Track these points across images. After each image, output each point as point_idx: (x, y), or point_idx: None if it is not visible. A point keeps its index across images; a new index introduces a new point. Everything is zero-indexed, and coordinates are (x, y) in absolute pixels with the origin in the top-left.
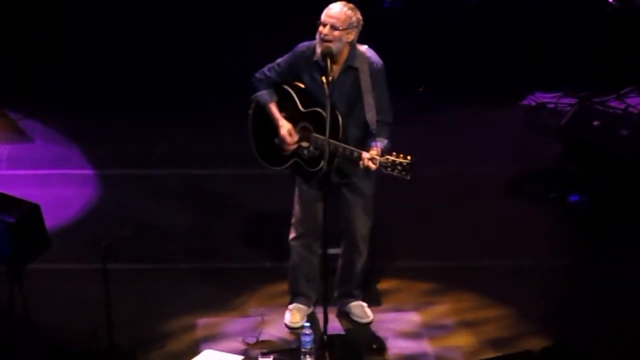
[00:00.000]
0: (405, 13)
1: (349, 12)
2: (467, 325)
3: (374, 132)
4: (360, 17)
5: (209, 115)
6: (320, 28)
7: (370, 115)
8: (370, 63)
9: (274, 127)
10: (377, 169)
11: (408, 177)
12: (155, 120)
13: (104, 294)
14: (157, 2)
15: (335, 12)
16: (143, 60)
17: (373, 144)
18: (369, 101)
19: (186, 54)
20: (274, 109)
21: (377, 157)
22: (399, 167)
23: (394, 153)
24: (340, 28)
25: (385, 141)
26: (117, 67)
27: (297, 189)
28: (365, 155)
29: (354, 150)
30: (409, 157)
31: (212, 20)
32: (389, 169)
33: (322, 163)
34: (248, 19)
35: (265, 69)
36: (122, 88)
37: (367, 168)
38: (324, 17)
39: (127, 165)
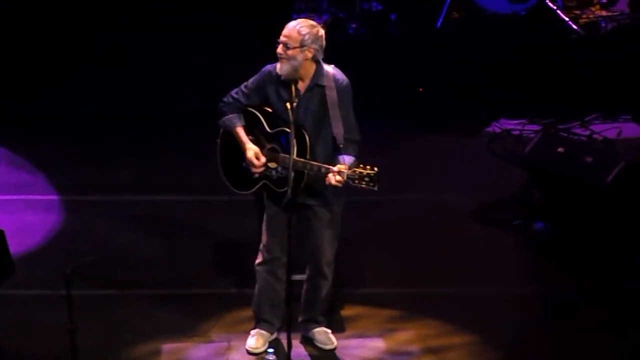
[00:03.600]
0: (369, 40)
1: (303, 29)
2: (431, 352)
3: (341, 146)
4: (319, 34)
5: (174, 141)
6: (278, 47)
7: (337, 131)
8: (337, 80)
9: (242, 151)
10: (344, 182)
11: (376, 188)
12: (120, 147)
13: (68, 320)
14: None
15: (287, 30)
16: (108, 89)
17: (340, 158)
18: (335, 116)
19: (149, 81)
20: (241, 132)
21: (344, 171)
22: (366, 179)
23: (361, 165)
24: (292, 46)
25: (353, 158)
26: (83, 94)
27: (266, 215)
28: (332, 169)
29: (322, 166)
30: (375, 168)
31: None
32: (356, 182)
33: (290, 182)
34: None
35: (232, 93)
36: (88, 114)
37: (335, 183)
38: (281, 35)
39: (91, 191)
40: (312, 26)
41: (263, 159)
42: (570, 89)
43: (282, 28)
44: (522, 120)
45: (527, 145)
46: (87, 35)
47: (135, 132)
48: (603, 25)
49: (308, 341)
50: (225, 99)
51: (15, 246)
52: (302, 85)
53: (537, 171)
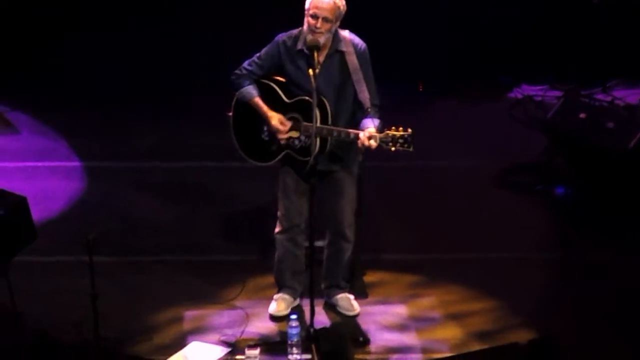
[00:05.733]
0: (392, 4)
1: (338, 1)
2: (453, 317)
3: (369, 110)
4: (345, 3)
5: (195, 107)
6: (311, 20)
7: (363, 95)
8: (355, 44)
9: (261, 121)
10: (377, 146)
11: (411, 149)
12: (141, 113)
13: (90, 287)
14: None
15: (327, 4)
16: (131, 54)
17: (366, 121)
18: (359, 80)
19: (172, 49)
20: (260, 102)
21: (377, 134)
22: (400, 141)
23: (393, 127)
24: (331, 19)
25: (378, 120)
26: (105, 60)
27: (281, 183)
28: (363, 134)
29: (350, 132)
30: (409, 129)
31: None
32: (390, 144)
33: (314, 149)
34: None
35: (245, 64)
36: (110, 80)
37: (367, 147)
38: (313, 9)
39: (114, 158)
40: None
41: (288, 124)
42: (591, 54)
43: None
44: (544, 86)
45: (549, 111)
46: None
47: (157, 99)
48: None
49: (331, 307)
50: (237, 71)
51: (37, 213)
52: (321, 53)
53: (558, 137)
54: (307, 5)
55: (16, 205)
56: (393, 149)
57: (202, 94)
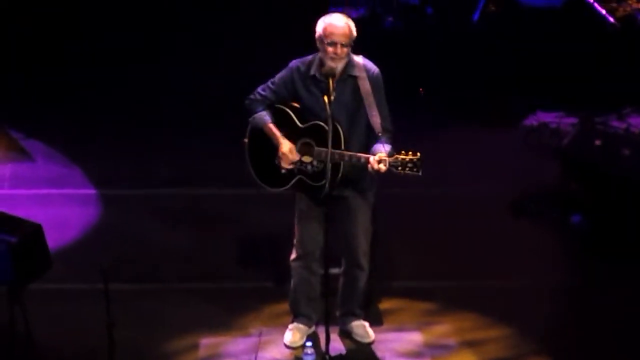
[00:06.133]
0: (407, 32)
1: (351, 25)
2: (468, 345)
3: (380, 135)
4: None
5: (210, 135)
6: (330, 49)
7: (375, 120)
8: (368, 70)
9: (274, 147)
10: (387, 170)
11: (420, 173)
12: (155, 140)
13: (105, 314)
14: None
15: (343, 30)
16: (144, 83)
17: (377, 146)
18: (370, 105)
19: (186, 80)
20: (273, 128)
21: (386, 158)
22: (409, 165)
23: (402, 152)
24: (348, 44)
25: (389, 146)
26: (119, 88)
27: (297, 210)
28: (373, 158)
29: (361, 156)
30: (418, 154)
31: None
32: (399, 169)
33: (327, 175)
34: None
35: (259, 89)
36: (123, 108)
37: (377, 171)
38: (330, 37)
39: (128, 185)
40: (350, 19)
41: (297, 156)
42: (605, 81)
43: (317, 21)
44: (559, 113)
45: (565, 138)
46: (124, 34)
47: (171, 127)
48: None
49: (346, 334)
50: (251, 96)
51: (52, 241)
52: (333, 78)
53: (574, 164)
54: (320, 32)
55: (31, 232)
56: (402, 172)
57: (218, 119)
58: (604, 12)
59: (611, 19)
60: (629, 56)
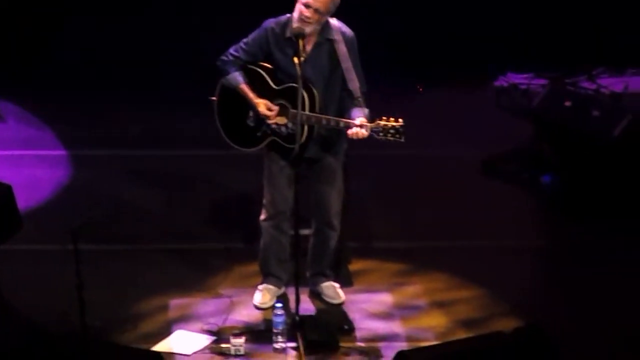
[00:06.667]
0: None
1: None
2: (438, 305)
3: (359, 99)
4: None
5: (180, 96)
6: (302, 8)
7: (353, 84)
8: (344, 33)
9: (247, 107)
10: (368, 135)
11: (402, 140)
12: (126, 101)
13: (75, 275)
14: None
15: None
16: (115, 42)
17: (358, 111)
18: (348, 69)
19: (156, 36)
20: (246, 89)
21: (368, 124)
22: (391, 131)
23: (384, 118)
24: (322, 12)
25: (367, 109)
26: (89, 48)
27: (266, 171)
28: (354, 122)
29: (339, 120)
30: (400, 120)
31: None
32: (380, 134)
33: (298, 136)
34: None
35: (231, 50)
36: (94, 69)
37: (357, 136)
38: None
39: (99, 146)
40: None
41: (276, 109)
42: (576, 42)
43: None
44: (529, 74)
45: (535, 99)
46: None
47: (143, 87)
48: None
49: (316, 295)
50: (223, 57)
51: (23, 201)
52: (309, 41)
53: (544, 125)
54: None
55: (1, 193)
56: (384, 139)
57: (185, 80)
58: None
59: None
60: (600, 16)
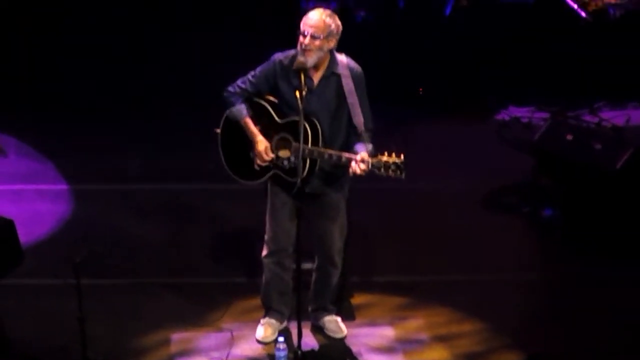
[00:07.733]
0: (378, 27)
1: (328, 19)
2: (441, 339)
3: (362, 134)
4: (339, 24)
5: (182, 130)
6: (300, 38)
7: (358, 119)
8: (351, 68)
9: (250, 141)
10: (369, 171)
11: (403, 176)
12: (128, 135)
13: (77, 309)
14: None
15: (314, 21)
16: (118, 79)
17: (358, 146)
18: (354, 104)
19: (160, 72)
20: (250, 123)
21: (369, 159)
22: (392, 168)
23: (385, 153)
24: (321, 37)
25: (370, 145)
26: (92, 83)
27: (269, 205)
28: (355, 157)
29: (342, 155)
30: (401, 156)
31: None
32: (381, 170)
33: (299, 170)
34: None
35: (238, 82)
36: (97, 104)
37: (356, 172)
38: (303, 26)
39: (101, 181)
40: (334, 16)
41: (271, 155)
42: (578, 76)
43: (295, 18)
44: (531, 108)
45: (536, 133)
46: (94, 28)
47: (145, 121)
48: (612, 12)
49: (318, 330)
50: (230, 89)
51: (24, 236)
52: (316, 74)
53: (546, 158)
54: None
55: (3, 227)
56: (384, 174)
57: (190, 115)
58: (575, 6)
59: (583, 14)
60: (601, 50)
